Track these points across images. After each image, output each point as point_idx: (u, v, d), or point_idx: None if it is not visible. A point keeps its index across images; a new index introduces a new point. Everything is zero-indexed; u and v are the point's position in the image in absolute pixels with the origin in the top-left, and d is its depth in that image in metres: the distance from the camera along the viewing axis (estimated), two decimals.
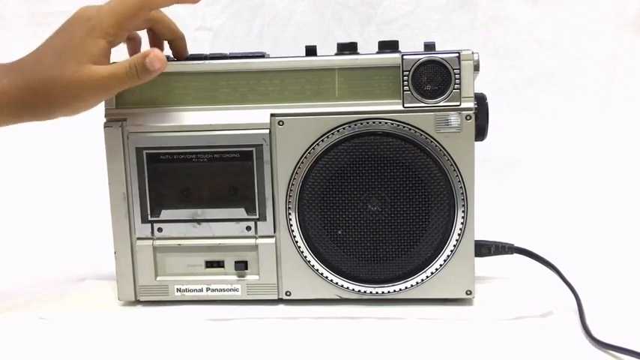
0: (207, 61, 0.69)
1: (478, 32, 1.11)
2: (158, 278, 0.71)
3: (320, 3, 1.13)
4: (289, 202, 0.69)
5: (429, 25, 1.11)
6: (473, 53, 0.66)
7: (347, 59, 0.68)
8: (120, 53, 0.69)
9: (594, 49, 1.10)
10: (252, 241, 0.70)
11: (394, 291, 0.69)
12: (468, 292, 0.69)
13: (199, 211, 0.70)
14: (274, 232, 0.70)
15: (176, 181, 0.70)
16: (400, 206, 0.68)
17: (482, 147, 0.70)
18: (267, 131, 0.68)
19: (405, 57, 0.66)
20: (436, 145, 0.67)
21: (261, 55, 0.69)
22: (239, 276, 0.71)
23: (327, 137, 0.67)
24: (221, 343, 0.63)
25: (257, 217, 0.70)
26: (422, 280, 0.69)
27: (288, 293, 0.71)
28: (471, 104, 0.67)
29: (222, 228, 0.70)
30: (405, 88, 0.67)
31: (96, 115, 0.69)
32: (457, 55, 0.66)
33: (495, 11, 1.11)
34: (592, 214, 1.03)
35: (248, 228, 0.70)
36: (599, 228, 0.97)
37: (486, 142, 0.70)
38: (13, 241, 1.00)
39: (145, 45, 0.72)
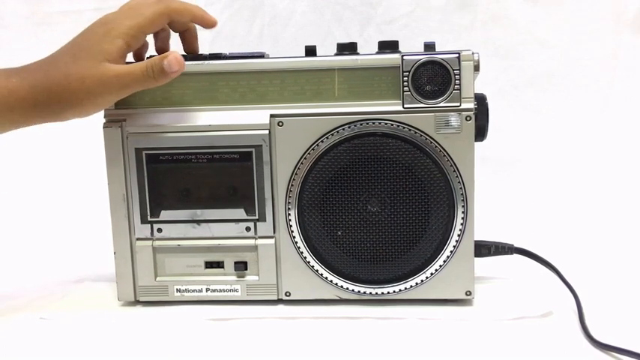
0: (206, 62, 0.69)
1: (478, 32, 1.11)
2: (158, 279, 0.72)
3: (320, 3, 1.13)
4: (289, 202, 0.69)
5: (429, 25, 1.11)
6: (473, 53, 0.66)
7: (347, 59, 0.68)
8: None
9: (594, 49, 1.10)
10: (251, 241, 0.70)
11: (394, 292, 0.69)
12: (468, 293, 0.69)
13: (199, 211, 0.70)
14: (274, 232, 0.70)
15: (176, 182, 0.70)
16: (400, 207, 0.68)
17: (483, 147, 0.70)
18: (267, 132, 0.68)
19: (404, 57, 0.66)
20: (436, 146, 0.67)
21: (261, 56, 0.69)
22: (239, 276, 0.71)
23: (327, 138, 0.67)
24: (221, 343, 0.63)
25: (257, 217, 0.70)
26: (422, 280, 0.69)
27: (287, 294, 0.71)
28: (471, 105, 0.67)
29: (222, 228, 0.70)
30: (405, 88, 0.67)
31: (95, 115, 0.69)
32: (457, 55, 0.66)
33: (495, 11, 1.11)
34: (592, 215, 1.03)
35: (247, 229, 0.70)
36: (598, 228, 0.97)
37: (486, 142, 0.70)
38: (13, 242, 1.00)
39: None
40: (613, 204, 1.05)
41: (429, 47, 0.67)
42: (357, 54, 0.68)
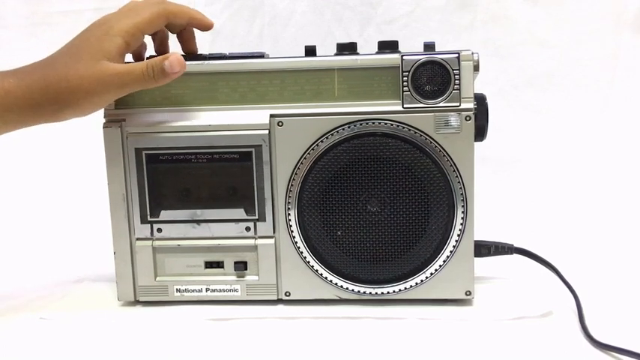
0: (206, 62, 0.69)
1: (478, 32, 1.11)
2: (157, 279, 0.72)
3: (320, 3, 1.13)
4: (289, 202, 0.69)
5: (429, 25, 1.11)
6: (473, 53, 0.66)
7: (347, 59, 0.68)
8: None
9: (594, 49, 1.10)
10: (251, 241, 0.70)
11: (394, 291, 0.69)
12: (468, 293, 0.69)
13: (199, 211, 0.70)
14: (274, 232, 0.70)
15: (175, 182, 0.70)
16: (400, 207, 0.68)
17: (482, 147, 0.70)
18: (267, 132, 0.68)
19: (404, 57, 0.66)
20: (436, 146, 0.67)
21: (261, 56, 0.69)
22: (238, 276, 0.71)
23: (327, 138, 0.67)
24: (221, 343, 0.63)
25: (256, 217, 0.70)
26: (421, 280, 0.69)
27: (287, 294, 0.71)
28: (471, 105, 0.67)
29: (222, 228, 0.70)
30: (405, 88, 0.67)
31: (95, 115, 0.69)
32: (457, 55, 0.66)
33: (495, 11, 1.11)
34: (592, 214, 1.03)
35: (247, 228, 0.70)
36: (598, 228, 0.97)
37: (486, 142, 0.70)
38: (13, 242, 1.00)
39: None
40: (613, 204, 1.05)
41: (429, 47, 0.67)
42: (357, 54, 0.68)
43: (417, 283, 0.69)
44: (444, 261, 0.68)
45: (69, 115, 0.66)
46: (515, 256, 0.75)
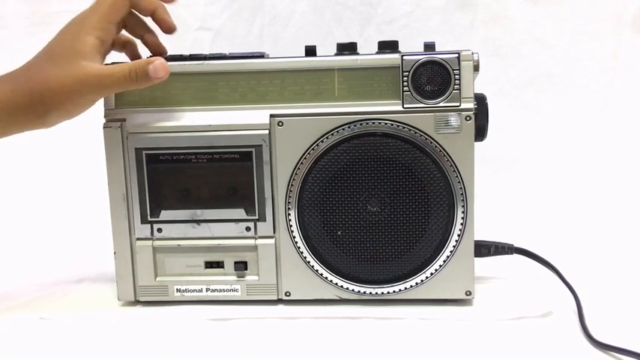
0: (206, 62, 0.69)
1: (478, 32, 1.11)
2: (158, 279, 0.72)
3: (320, 3, 1.13)
4: (289, 202, 0.69)
5: (429, 25, 1.11)
6: (473, 53, 0.66)
7: (347, 59, 0.68)
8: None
9: (594, 49, 1.10)
10: (251, 241, 0.70)
11: (394, 291, 0.69)
12: (468, 293, 0.69)
13: (199, 211, 0.70)
14: (274, 232, 0.70)
15: (175, 182, 0.70)
16: (400, 207, 0.68)
17: (482, 147, 0.70)
18: (267, 132, 0.68)
19: (404, 57, 0.66)
20: (436, 146, 0.67)
21: (261, 56, 0.69)
22: (238, 276, 0.71)
23: (327, 138, 0.67)
24: (221, 343, 0.63)
25: (256, 217, 0.70)
26: (421, 280, 0.69)
27: (287, 294, 0.71)
28: (471, 105, 0.67)
29: (222, 228, 0.70)
30: (405, 88, 0.67)
31: (95, 115, 0.69)
32: (457, 55, 0.66)
33: (495, 11, 1.11)
34: (592, 214, 1.03)
35: (247, 228, 0.70)
36: (598, 228, 0.97)
37: (486, 142, 0.70)
38: (13, 242, 1.00)
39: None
40: (613, 204, 1.05)
41: (429, 47, 0.68)
42: (357, 54, 0.68)
43: (417, 283, 0.69)
44: (444, 261, 0.68)
45: (55, 117, 0.66)
46: (515, 256, 0.75)
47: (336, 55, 0.69)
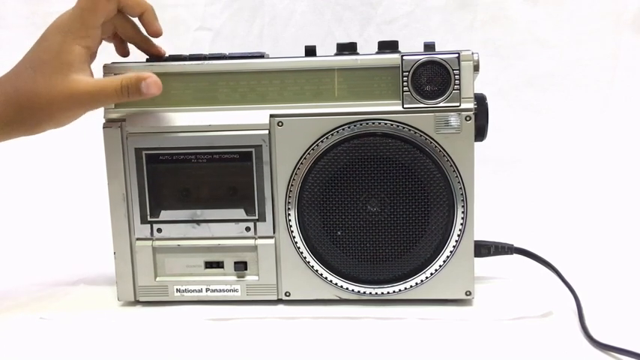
0: (206, 62, 0.69)
1: (478, 32, 1.11)
2: (157, 279, 0.72)
3: (320, 3, 1.13)
4: (289, 202, 0.69)
5: (429, 25, 1.11)
6: (473, 54, 0.66)
7: (346, 59, 0.68)
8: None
9: (594, 49, 1.10)
10: (251, 241, 0.70)
11: (394, 292, 0.69)
12: (468, 293, 0.69)
13: (199, 211, 0.70)
14: (274, 232, 0.70)
15: (175, 182, 0.70)
16: (400, 207, 0.68)
17: (482, 147, 0.70)
18: (267, 132, 0.68)
19: (404, 57, 0.66)
20: (436, 146, 0.67)
21: (261, 56, 0.69)
22: (238, 276, 0.71)
23: (327, 138, 0.67)
24: (221, 343, 0.63)
25: (256, 217, 0.70)
26: (421, 280, 0.69)
27: (287, 294, 0.71)
28: (471, 105, 0.67)
29: (222, 228, 0.70)
30: (405, 88, 0.67)
31: (95, 115, 0.69)
32: (457, 55, 0.66)
33: (495, 11, 1.11)
34: (592, 214, 1.03)
35: (247, 229, 0.70)
36: (598, 228, 0.97)
37: (486, 142, 0.70)
38: (13, 242, 1.00)
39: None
40: (613, 204, 1.05)
41: (429, 47, 0.67)
42: (357, 54, 0.68)
43: (417, 283, 0.69)
44: (444, 261, 0.68)
45: (45, 127, 0.66)
46: (515, 256, 0.75)
47: (336, 55, 0.69)
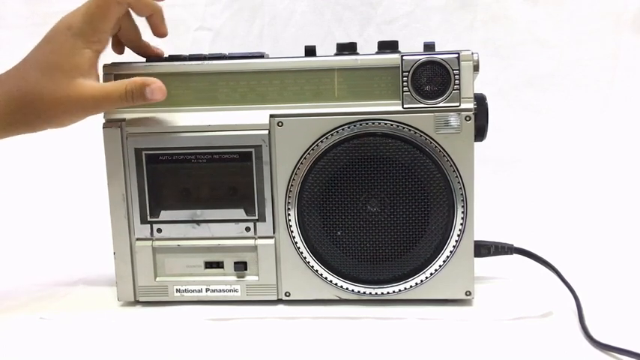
0: (206, 62, 0.69)
1: (478, 32, 1.11)
2: (157, 279, 0.72)
3: (320, 3, 1.13)
4: (288, 202, 0.69)
5: (429, 25, 1.11)
6: (472, 54, 0.66)
7: (346, 60, 0.68)
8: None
9: (594, 49, 1.11)
10: (251, 241, 0.70)
11: (393, 292, 0.69)
12: (468, 293, 0.69)
13: (198, 211, 0.70)
14: (273, 232, 0.70)
15: (175, 182, 0.70)
16: (400, 207, 0.68)
17: (482, 147, 0.70)
18: (267, 132, 0.68)
19: (404, 57, 0.66)
20: (436, 146, 0.67)
21: (261, 56, 0.69)
22: (238, 277, 0.71)
23: (327, 138, 0.67)
24: (221, 343, 0.63)
25: (256, 217, 0.70)
26: (421, 280, 0.69)
27: (287, 294, 0.71)
28: (471, 105, 0.67)
29: (222, 229, 0.70)
30: (405, 88, 0.67)
31: (95, 116, 0.69)
32: (457, 55, 0.66)
33: (495, 11, 1.11)
34: (592, 215, 1.03)
35: (247, 229, 0.70)
36: (598, 228, 0.97)
37: (486, 142, 0.70)
38: (13, 242, 1.00)
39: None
40: (613, 204, 1.05)
41: (429, 47, 0.67)
42: (357, 54, 0.68)
43: (417, 283, 0.69)
44: (444, 261, 0.68)
45: (47, 128, 0.66)
46: (515, 256, 0.75)
47: (336, 55, 0.69)
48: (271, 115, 0.68)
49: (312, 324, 0.66)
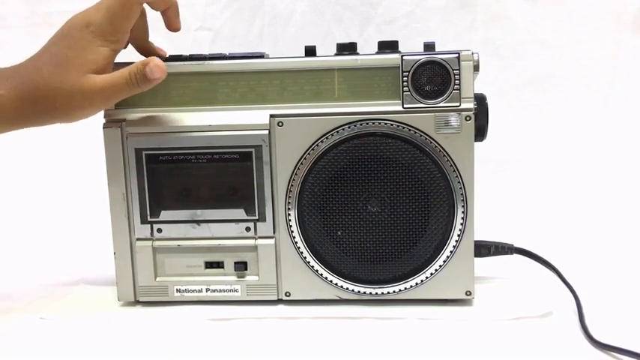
0: (206, 62, 0.69)
1: (478, 32, 1.11)
2: (158, 279, 0.72)
3: (320, 3, 1.13)
4: (289, 202, 0.69)
5: (429, 25, 1.11)
6: (473, 53, 0.66)
7: (346, 60, 0.68)
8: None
9: (594, 49, 1.11)
10: (251, 241, 0.70)
11: (394, 292, 0.69)
12: (468, 293, 0.69)
13: (199, 211, 0.70)
14: (274, 232, 0.70)
15: (175, 182, 0.70)
16: (400, 207, 0.68)
17: (482, 147, 0.70)
18: (267, 132, 0.68)
19: (404, 57, 0.66)
20: (436, 146, 0.67)
21: (261, 56, 0.69)
22: (238, 277, 0.71)
23: (327, 138, 0.67)
24: (221, 343, 0.63)
25: (256, 217, 0.70)
26: (422, 280, 0.69)
27: (287, 294, 0.71)
28: (471, 105, 0.67)
29: (222, 229, 0.70)
30: (405, 88, 0.67)
31: (95, 116, 0.69)
32: (457, 55, 0.66)
33: (495, 11, 1.11)
34: (592, 214, 1.03)
35: (247, 229, 0.70)
36: (598, 228, 0.97)
37: (486, 142, 0.70)
38: (13, 242, 1.00)
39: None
40: (613, 204, 1.05)
41: (429, 47, 0.67)
42: (357, 54, 0.68)
43: (417, 283, 0.69)
44: (444, 261, 0.68)
45: (58, 122, 0.66)
46: (515, 256, 0.75)
47: (336, 55, 0.69)
48: (271, 115, 0.68)
49: (312, 324, 0.66)
